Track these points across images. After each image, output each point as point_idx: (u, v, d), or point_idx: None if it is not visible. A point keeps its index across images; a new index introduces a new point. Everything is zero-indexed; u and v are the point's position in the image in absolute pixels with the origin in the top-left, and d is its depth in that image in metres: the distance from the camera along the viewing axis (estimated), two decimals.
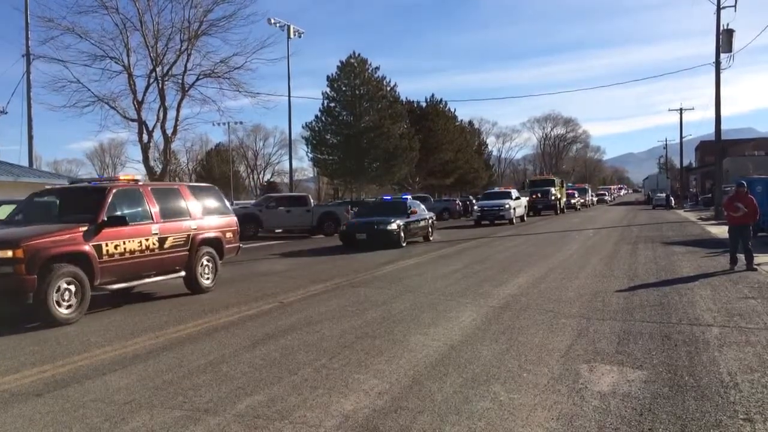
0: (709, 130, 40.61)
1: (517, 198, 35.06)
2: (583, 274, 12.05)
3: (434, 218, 24.22)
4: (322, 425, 4.40)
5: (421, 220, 21.99)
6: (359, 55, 48.26)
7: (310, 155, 50.86)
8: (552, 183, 48.54)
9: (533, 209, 43.08)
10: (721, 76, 33.22)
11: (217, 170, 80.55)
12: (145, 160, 36.22)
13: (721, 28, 32.25)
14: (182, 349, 6.85)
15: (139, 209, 10.01)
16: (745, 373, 5.41)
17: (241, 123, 71.17)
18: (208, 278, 11.30)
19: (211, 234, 11.47)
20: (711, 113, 34.86)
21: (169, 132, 35.09)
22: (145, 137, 34.93)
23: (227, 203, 12.48)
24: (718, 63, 33.11)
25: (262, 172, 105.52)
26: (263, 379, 5.58)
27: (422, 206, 23.52)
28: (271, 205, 28.39)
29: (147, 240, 9.90)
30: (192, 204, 11.12)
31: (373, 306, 9.19)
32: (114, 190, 9.70)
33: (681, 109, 66.85)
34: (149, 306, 9.81)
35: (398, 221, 19.91)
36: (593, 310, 8.37)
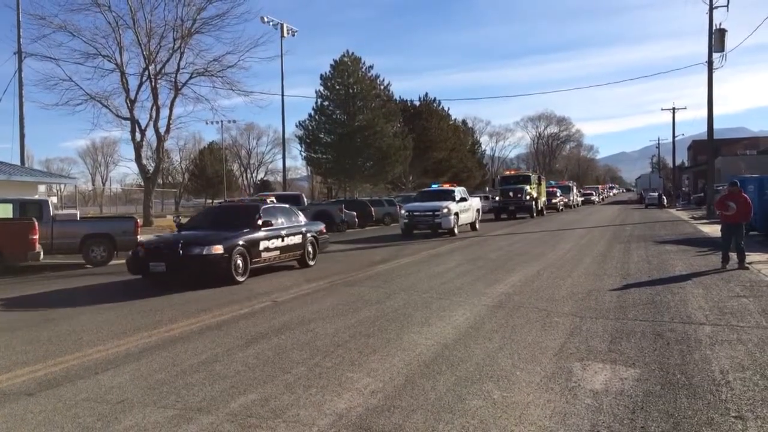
0: (701, 130, 40.79)
1: (463, 199, 25.90)
2: (576, 272, 12.08)
3: (321, 232, 15.85)
4: (316, 424, 4.40)
5: (288, 235, 13.81)
6: (353, 53, 48.47)
7: (304, 154, 51.09)
8: (527, 180, 40.76)
9: (504, 211, 37.55)
10: (714, 75, 33.36)
11: (210, 169, 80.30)
12: (138, 159, 36.16)
13: (714, 27, 32.39)
14: (175, 348, 6.82)
15: None
16: (737, 371, 5.43)
17: (234, 122, 71.25)
18: None
19: None
20: (703, 112, 35.04)
21: (162, 130, 35.07)
22: (138, 136, 34.89)
23: None
24: (710, 62, 33.25)
25: (255, 171, 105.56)
26: (256, 378, 5.57)
27: (298, 215, 15.21)
28: None
29: None
30: None
31: (367, 305, 9.19)
32: None
33: (674, 109, 67.23)
34: (142, 305, 9.76)
35: (234, 240, 12.05)
36: (586, 309, 8.40)
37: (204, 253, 11.49)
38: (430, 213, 23.95)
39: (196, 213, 17.59)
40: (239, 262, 11.99)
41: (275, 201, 15.70)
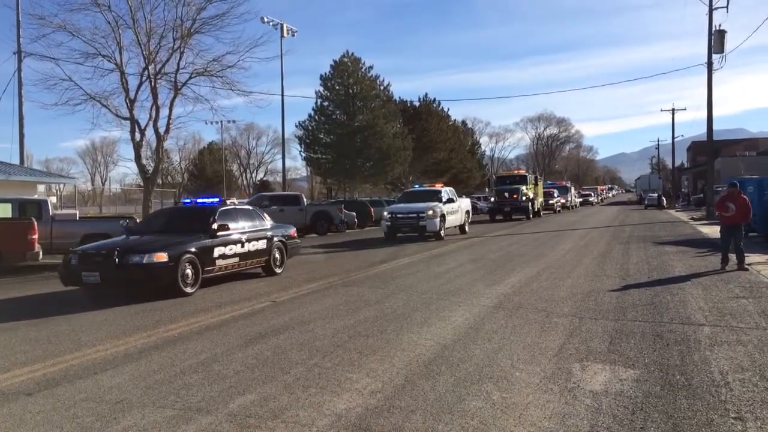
0: (701, 131, 40.83)
1: (450, 200, 24.15)
2: (575, 273, 12.08)
3: (291, 236, 14.28)
4: (315, 424, 4.39)
5: (250, 240, 12.48)
6: (352, 54, 48.38)
7: (304, 154, 50.97)
8: (524, 180, 39.69)
9: (500, 212, 36.84)
10: (713, 76, 33.39)
11: (209, 169, 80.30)
12: (137, 159, 36.00)
13: (713, 28, 32.39)
14: (174, 348, 6.82)
15: None
16: (737, 372, 5.43)
17: (234, 122, 71.53)
18: None
19: None
20: (703, 114, 35.06)
21: (161, 130, 34.91)
22: (138, 136, 34.70)
23: None
24: (710, 64, 33.26)
25: (255, 171, 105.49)
26: (255, 378, 5.57)
27: (264, 218, 13.81)
28: (264, 204, 28.36)
29: None
30: None
31: (366, 305, 9.19)
32: None
33: (673, 110, 67.34)
34: (141, 305, 9.75)
35: (183, 247, 10.78)
36: (586, 310, 8.39)
37: (144, 261, 10.15)
38: (414, 215, 22.27)
39: (147, 216, 15.87)
40: (188, 271, 10.68)
41: (236, 203, 14.48)
